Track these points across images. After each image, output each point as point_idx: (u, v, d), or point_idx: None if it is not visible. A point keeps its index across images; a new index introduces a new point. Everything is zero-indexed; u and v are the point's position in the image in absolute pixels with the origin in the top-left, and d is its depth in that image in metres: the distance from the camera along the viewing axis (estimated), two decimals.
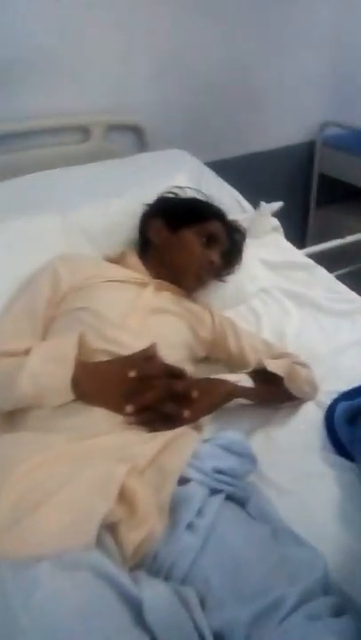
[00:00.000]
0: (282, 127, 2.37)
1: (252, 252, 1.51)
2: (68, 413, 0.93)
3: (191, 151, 1.90)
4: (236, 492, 0.87)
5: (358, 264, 2.27)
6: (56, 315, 1.13)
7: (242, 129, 2.27)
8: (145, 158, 1.82)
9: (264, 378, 1.09)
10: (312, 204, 2.61)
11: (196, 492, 0.82)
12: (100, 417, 0.93)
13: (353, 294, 1.50)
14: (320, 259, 1.97)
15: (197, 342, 1.22)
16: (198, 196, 1.42)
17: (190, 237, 1.28)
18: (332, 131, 2.43)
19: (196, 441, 0.92)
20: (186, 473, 0.84)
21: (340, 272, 2.13)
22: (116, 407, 0.94)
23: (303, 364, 1.19)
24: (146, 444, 0.87)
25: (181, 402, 0.96)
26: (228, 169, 1.97)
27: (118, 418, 0.93)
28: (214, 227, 1.31)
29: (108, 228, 1.46)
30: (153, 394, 0.94)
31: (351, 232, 2.20)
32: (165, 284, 1.24)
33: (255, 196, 1.82)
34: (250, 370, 1.12)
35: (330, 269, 1.75)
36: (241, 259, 1.43)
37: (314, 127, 2.42)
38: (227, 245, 1.35)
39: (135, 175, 1.69)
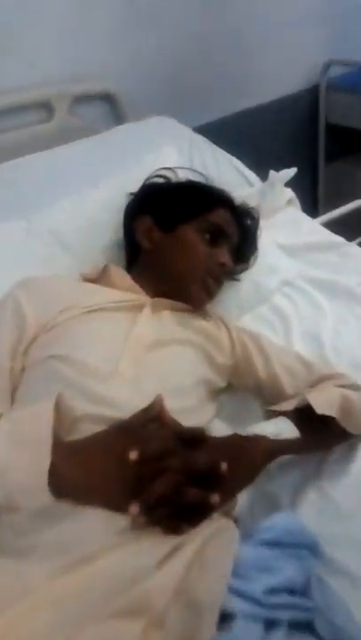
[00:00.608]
0: (279, 74, 2.04)
1: (267, 237, 1.21)
2: (51, 519, 0.66)
3: (175, 116, 1.59)
4: (299, 615, 0.61)
5: None
6: (26, 364, 0.85)
7: (232, 82, 1.94)
8: (122, 132, 1.50)
9: (308, 415, 0.81)
10: (321, 160, 2.28)
11: (247, 634, 0.56)
12: (94, 523, 0.66)
13: None
14: (338, 226, 1.67)
15: (216, 373, 0.94)
16: (193, 178, 1.12)
17: (190, 236, 0.98)
18: (337, 71, 2.09)
19: (233, 543, 0.65)
20: (227, 604, 0.58)
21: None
22: (117, 506, 0.67)
23: (356, 387, 0.92)
24: (164, 565, 0.60)
25: (206, 482, 0.69)
26: (220, 132, 1.67)
27: (120, 521, 0.66)
28: (219, 217, 1.01)
29: (85, 229, 1.17)
30: (166, 481, 0.66)
31: None
32: (165, 301, 0.96)
33: (255, 159, 1.53)
34: (290, 407, 0.84)
35: (350, 237, 1.45)
36: (257, 250, 1.13)
37: (316, 69, 2.08)
38: (237, 238, 1.05)
39: (112, 155, 1.39)
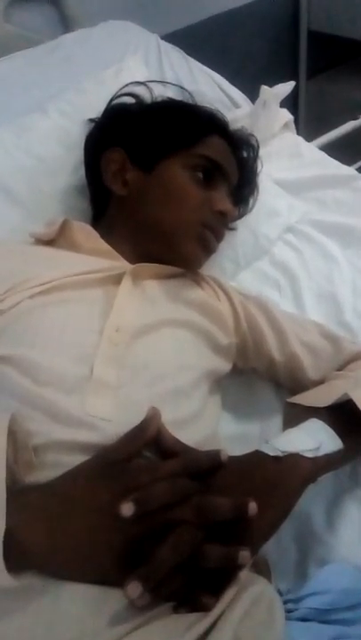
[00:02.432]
0: None
1: (263, 172, 0.96)
2: (25, 596, 0.46)
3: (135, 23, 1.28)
4: None
5: None
6: None
7: None
8: (71, 41, 1.19)
9: (348, 414, 0.61)
10: (302, 75, 1.99)
11: None
12: (78, 604, 0.46)
13: None
14: (327, 150, 1.44)
15: (220, 358, 0.73)
16: (173, 96, 0.84)
17: (178, 175, 0.73)
18: None
19: (276, 617, 0.47)
20: None
21: (358, 165, 1.60)
22: (108, 581, 0.47)
23: None
24: None
25: (229, 529, 0.49)
26: (187, 43, 1.35)
27: (113, 602, 0.46)
28: (214, 148, 0.76)
29: (32, 171, 0.90)
30: (177, 543, 0.46)
31: None
32: (149, 267, 0.72)
33: (230, 74, 1.24)
34: (325, 404, 0.63)
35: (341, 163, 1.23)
36: (257, 190, 0.89)
37: None
38: (237, 176, 0.80)
39: (61, 71, 1.10)
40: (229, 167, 0.77)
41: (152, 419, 0.55)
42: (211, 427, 0.68)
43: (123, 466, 0.51)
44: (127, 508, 0.46)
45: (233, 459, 0.55)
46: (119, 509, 0.46)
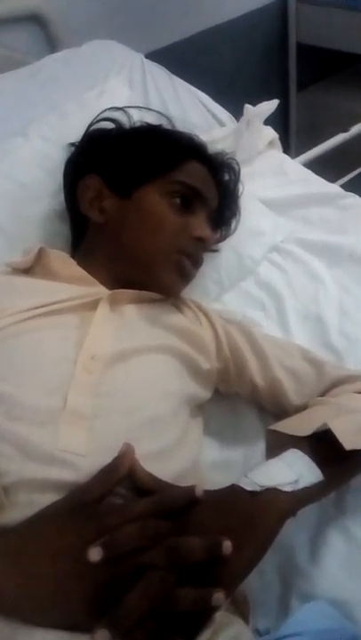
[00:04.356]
0: None
1: (247, 190, 0.95)
2: None
3: (120, 42, 1.28)
4: None
5: None
6: None
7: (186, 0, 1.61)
8: (55, 61, 1.19)
9: (328, 443, 0.60)
10: (292, 88, 1.99)
11: None
12: None
13: None
14: (315, 164, 1.44)
15: (201, 384, 0.72)
16: (152, 121, 0.84)
17: (155, 202, 0.73)
18: None
19: None
20: None
21: (348, 178, 1.60)
22: (78, 627, 0.46)
23: None
24: None
25: (203, 570, 0.48)
26: (173, 59, 1.36)
27: None
28: (192, 174, 0.75)
29: (11, 195, 0.89)
30: (149, 589, 0.45)
31: (355, 119, 1.64)
32: (127, 293, 0.71)
33: (217, 91, 1.24)
34: (305, 434, 0.62)
35: (331, 176, 1.22)
36: (239, 212, 0.89)
37: None
38: (217, 201, 0.80)
39: (44, 92, 1.09)
40: (208, 192, 0.77)
41: (125, 456, 0.54)
42: (192, 455, 0.66)
43: (93, 507, 0.50)
44: (95, 553, 0.45)
45: (209, 494, 0.54)
46: (87, 554, 0.45)
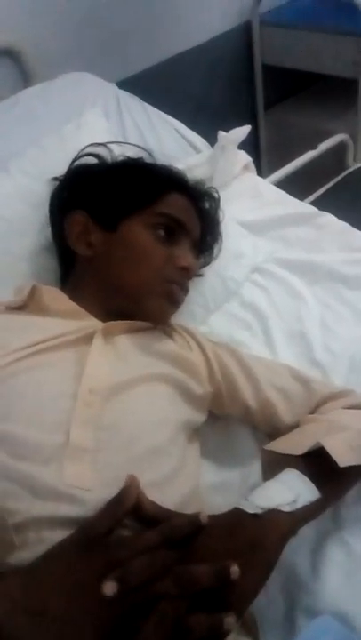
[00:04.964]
0: (204, 11, 1.75)
1: (226, 214, 0.99)
2: None
3: (91, 72, 1.31)
4: None
5: (336, 177, 1.76)
6: None
7: (154, 27, 1.65)
8: (31, 96, 1.21)
9: (321, 460, 0.62)
10: (260, 108, 2.05)
11: None
12: None
13: None
14: (288, 181, 1.48)
15: (195, 409, 0.74)
16: (131, 154, 0.87)
17: (140, 235, 0.75)
18: (269, 3, 1.84)
19: None
20: None
21: (316, 195, 1.65)
22: None
23: None
24: None
25: (212, 595, 0.50)
26: (145, 86, 1.40)
27: None
28: (174, 205, 0.78)
29: (1, 234, 0.90)
30: (162, 619, 0.47)
31: (323, 137, 1.70)
32: (120, 324, 0.73)
33: (189, 114, 1.28)
34: (299, 452, 0.64)
35: (302, 193, 1.26)
36: (220, 238, 0.91)
37: (246, 4, 1.81)
38: (199, 229, 0.83)
39: (22, 127, 1.11)
40: (190, 222, 0.79)
41: (130, 488, 0.55)
42: (193, 479, 0.68)
43: (102, 541, 0.51)
44: (110, 587, 0.46)
45: (213, 519, 0.55)
46: (102, 589, 0.46)
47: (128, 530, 0.55)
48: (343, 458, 0.60)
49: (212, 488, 0.74)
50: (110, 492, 0.55)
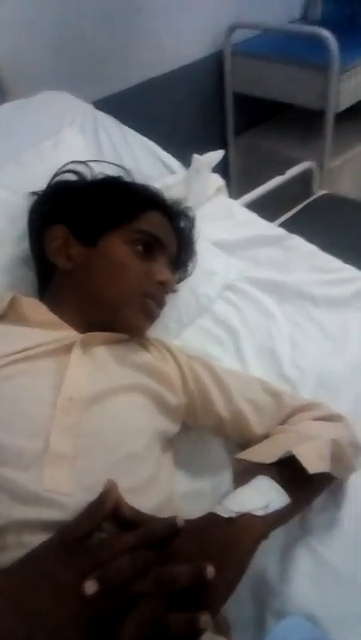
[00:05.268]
0: (179, 39, 1.82)
1: (200, 234, 1.02)
2: None
3: (70, 92, 1.35)
4: None
5: (302, 202, 1.83)
6: None
7: (131, 51, 1.70)
8: (10, 111, 1.24)
9: (292, 467, 0.65)
10: (230, 134, 2.12)
11: None
12: None
13: (351, 270, 1.08)
14: (256, 205, 1.54)
15: (170, 419, 0.76)
16: (110, 173, 0.89)
17: (119, 250, 0.78)
18: (241, 35, 1.92)
19: None
20: None
21: (283, 219, 1.71)
22: None
23: (336, 417, 0.78)
24: None
25: (188, 595, 0.52)
26: (120, 108, 1.44)
27: None
28: (152, 223, 0.81)
29: None
30: (142, 618, 0.48)
31: (290, 164, 1.77)
32: (98, 336, 0.75)
33: (162, 137, 1.33)
34: (271, 460, 0.67)
35: (270, 216, 1.32)
36: (195, 255, 0.95)
37: (219, 33, 1.89)
38: (175, 246, 0.86)
39: (1, 142, 1.12)
40: (167, 239, 0.83)
41: (109, 492, 0.57)
42: (167, 487, 0.70)
43: (83, 543, 0.52)
44: (90, 586, 0.48)
45: (189, 523, 0.58)
46: (83, 588, 0.47)
47: (107, 533, 0.56)
48: (312, 465, 0.63)
49: (185, 496, 0.76)
50: (89, 496, 0.57)
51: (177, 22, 1.77)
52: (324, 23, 2.07)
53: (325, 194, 1.73)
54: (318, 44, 1.65)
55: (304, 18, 2.16)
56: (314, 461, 0.64)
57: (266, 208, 1.54)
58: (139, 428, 0.69)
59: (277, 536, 0.70)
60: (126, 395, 0.71)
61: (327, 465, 0.64)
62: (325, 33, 1.64)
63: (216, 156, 1.15)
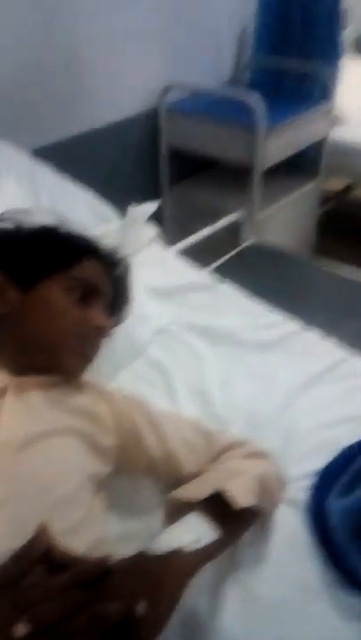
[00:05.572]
0: (117, 96, 1.92)
1: (135, 280, 1.07)
2: None
3: (7, 141, 1.38)
4: None
5: (232, 251, 1.92)
6: None
7: (67, 104, 1.78)
8: None
9: (221, 503, 0.68)
10: (165, 185, 2.22)
11: None
12: None
13: (276, 315, 1.15)
14: (188, 253, 1.61)
15: (103, 460, 0.78)
16: (47, 222, 0.93)
17: (56, 297, 0.80)
18: (175, 95, 2.04)
19: None
20: None
21: (214, 266, 1.79)
22: None
23: (263, 454, 0.82)
24: None
25: (124, 632, 0.53)
26: (58, 156, 1.50)
27: None
28: (89, 270, 0.85)
29: None
30: None
31: (221, 214, 1.87)
32: (32, 380, 0.76)
33: (99, 185, 1.39)
34: (201, 496, 0.70)
35: (201, 264, 1.39)
36: (130, 301, 0.99)
37: (155, 92, 2.01)
38: (111, 292, 0.89)
39: None
40: (104, 285, 0.86)
41: (40, 535, 0.57)
42: (98, 530, 0.71)
43: (15, 587, 0.53)
44: (21, 629, 0.48)
45: (120, 562, 0.59)
46: (13, 631, 0.48)
47: (38, 576, 0.57)
48: (240, 500, 0.67)
49: (118, 538, 0.77)
50: (21, 540, 0.57)
51: (114, 79, 1.87)
52: (252, 85, 2.26)
53: (254, 243, 1.84)
54: (246, 106, 1.79)
55: (234, 80, 2.33)
56: (241, 496, 0.67)
57: (198, 256, 1.61)
58: (71, 471, 0.70)
59: (208, 571, 0.72)
60: (59, 438, 0.72)
61: (254, 499, 0.68)
62: (252, 96, 1.78)
63: (150, 207, 1.21)
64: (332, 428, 0.92)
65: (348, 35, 2.63)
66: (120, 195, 1.34)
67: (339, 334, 1.12)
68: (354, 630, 0.70)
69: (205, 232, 1.78)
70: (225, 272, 1.50)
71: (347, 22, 2.58)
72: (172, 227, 2.27)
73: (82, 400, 0.81)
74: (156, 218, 2.21)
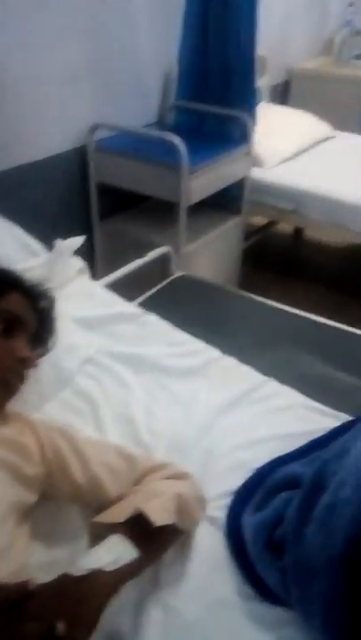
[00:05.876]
0: (44, 132, 1.97)
1: (62, 312, 1.10)
2: None
3: None
4: None
5: (160, 283, 1.99)
6: None
7: None
8: None
9: (141, 523, 0.72)
10: (95, 219, 2.27)
11: None
12: None
13: (198, 343, 1.22)
14: (117, 286, 1.66)
15: (27, 489, 0.79)
16: None
17: None
18: (104, 133, 2.12)
19: None
20: None
21: (143, 297, 1.85)
22: None
23: (184, 475, 0.87)
24: None
25: None
26: None
27: None
28: (13, 303, 0.88)
29: None
30: None
31: (150, 247, 1.94)
32: None
33: (27, 220, 1.42)
34: (120, 519, 0.73)
35: (130, 295, 1.44)
36: (55, 332, 1.02)
37: (83, 131, 2.07)
38: (35, 324, 0.92)
39: None
40: (28, 318, 0.89)
41: None
42: (22, 557, 0.73)
43: None
44: None
45: (41, 585, 0.61)
46: None
47: None
48: (158, 518, 0.70)
49: (42, 566, 0.78)
50: None
51: (41, 116, 1.92)
52: (176, 127, 2.37)
53: (181, 275, 1.91)
54: (170, 146, 1.89)
55: (159, 122, 2.44)
56: (160, 515, 0.71)
57: (128, 288, 1.66)
58: None
59: (130, 591, 0.75)
60: None
61: (172, 517, 0.72)
62: (176, 138, 1.88)
63: (77, 241, 1.25)
64: (248, 449, 0.98)
65: (264, 82, 2.82)
66: (50, 229, 1.37)
67: (256, 361, 1.19)
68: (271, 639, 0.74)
69: (134, 265, 1.83)
70: (153, 304, 1.56)
71: (264, 70, 2.79)
72: (102, 260, 2.32)
73: (7, 431, 0.82)
74: (88, 251, 2.27)
